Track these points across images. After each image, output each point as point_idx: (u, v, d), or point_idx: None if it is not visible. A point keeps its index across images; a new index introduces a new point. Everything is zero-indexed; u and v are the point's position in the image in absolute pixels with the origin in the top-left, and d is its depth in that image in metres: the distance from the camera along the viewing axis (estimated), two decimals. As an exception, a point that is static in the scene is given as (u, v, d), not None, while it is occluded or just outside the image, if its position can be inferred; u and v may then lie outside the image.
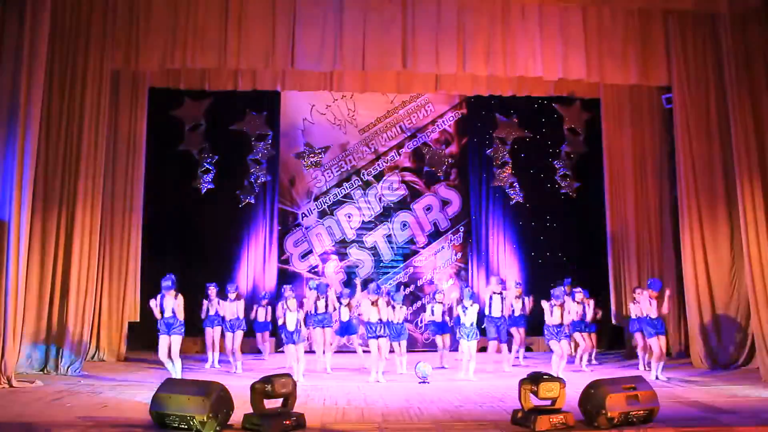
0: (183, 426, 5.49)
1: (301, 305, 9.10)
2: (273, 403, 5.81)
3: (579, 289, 10.05)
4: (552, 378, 5.85)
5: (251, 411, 5.73)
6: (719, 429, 5.74)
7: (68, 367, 8.89)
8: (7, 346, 7.88)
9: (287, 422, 5.61)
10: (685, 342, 10.82)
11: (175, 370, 8.30)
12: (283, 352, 9.60)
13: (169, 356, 8.29)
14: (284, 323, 8.69)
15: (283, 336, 8.74)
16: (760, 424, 5.88)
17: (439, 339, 10.18)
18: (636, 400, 5.75)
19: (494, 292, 9.69)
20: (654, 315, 8.74)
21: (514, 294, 10.15)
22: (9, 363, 7.88)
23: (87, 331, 9.25)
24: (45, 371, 8.86)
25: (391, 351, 9.18)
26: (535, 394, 5.74)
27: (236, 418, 5.73)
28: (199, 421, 5.39)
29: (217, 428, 5.46)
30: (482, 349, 10.38)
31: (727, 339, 9.77)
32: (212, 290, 9.93)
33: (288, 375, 6.01)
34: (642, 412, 5.77)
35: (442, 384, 8.29)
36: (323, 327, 9.77)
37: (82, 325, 9.10)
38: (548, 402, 5.82)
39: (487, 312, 9.64)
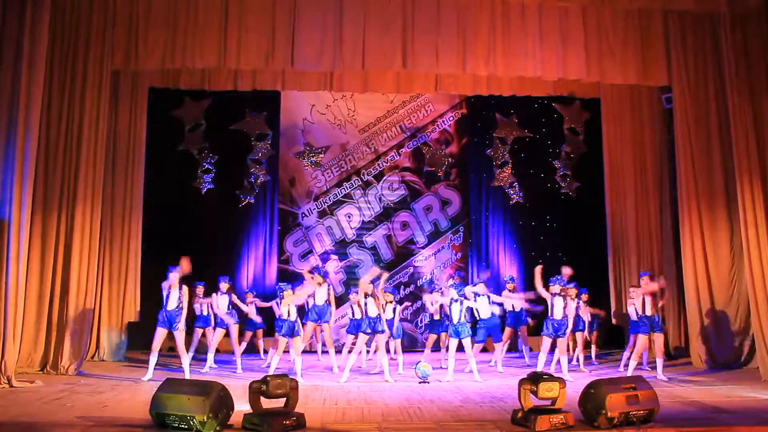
0: (183, 426, 5.49)
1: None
2: (274, 403, 5.81)
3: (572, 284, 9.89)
4: (552, 378, 5.85)
5: (251, 410, 5.73)
6: (719, 429, 5.74)
7: (68, 367, 8.88)
8: (7, 346, 7.89)
9: (287, 422, 5.60)
10: (685, 342, 10.82)
11: (183, 366, 8.43)
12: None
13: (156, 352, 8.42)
14: (280, 315, 8.71)
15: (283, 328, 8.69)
16: (760, 424, 5.88)
17: (433, 337, 10.07)
18: (636, 400, 5.75)
19: (479, 294, 9.37)
20: (650, 312, 8.73)
21: (508, 289, 10.13)
22: (9, 363, 7.88)
23: (87, 331, 9.25)
24: (45, 371, 8.86)
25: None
26: (535, 394, 5.74)
27: (236, 418, 5.73)
28: (199, 421, 5.39)
29: (217, 428, 5.46)
30: (484, 349, 10.40)
31: (727, 339, 9.78)
32: (200, 289, 9.86)
33: (285, 375, 5.99)
34: (642, 412, 5.77)
35: (442, 384, 8.29)
36: (320, 322, 9.65)
37: (82, 325, 9.10)
38: (548, 402, 5.82)
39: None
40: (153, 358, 8.42)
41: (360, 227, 12.80)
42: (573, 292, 8.97)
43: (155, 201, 11.40)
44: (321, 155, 12.85)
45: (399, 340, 9.54)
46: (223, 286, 9.71)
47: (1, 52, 8.23)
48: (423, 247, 12.84)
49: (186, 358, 8.50)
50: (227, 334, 9.75)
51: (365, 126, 12.99)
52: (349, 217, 12.79)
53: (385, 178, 12.92)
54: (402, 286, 12.63)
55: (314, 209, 12.75)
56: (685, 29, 10.07)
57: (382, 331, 8.65)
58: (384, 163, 12.96)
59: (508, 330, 10.27)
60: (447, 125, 13.20)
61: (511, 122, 13.05)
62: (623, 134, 11.57)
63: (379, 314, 8.60)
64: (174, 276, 8.51)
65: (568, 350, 9.03)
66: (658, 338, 8.85)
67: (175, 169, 12.16)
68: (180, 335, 8.43)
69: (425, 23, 9.69)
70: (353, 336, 9.18)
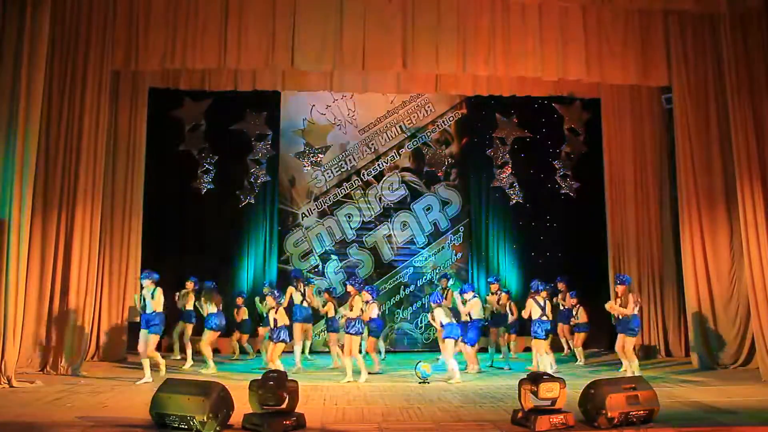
0: (183, 426, 5.49)
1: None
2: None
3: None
4: (552, 378, 5.85)
5: (251, 411, 5.73)
6: (719, 429, 5.75)
7: (68, 367, 8.89)
8: (7, 346, 7.90)
9: (287, 422, 5.61)
10: (685, 342, 10.83)
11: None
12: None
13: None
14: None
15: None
16: (760, 424, 5.89)
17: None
18: (636, 400, 5.76)
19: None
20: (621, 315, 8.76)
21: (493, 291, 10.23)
22: (9, 363, 7.89)
23: (87, 331, 9.25)
24: (45, 371, 8.86)
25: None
26: (535, 394, 5.74)
27: (236, 418, 5.73)
28: (199, 421, 5.39)
29: (217, 428, 5.46)
30: (483, 350, 10.39)
31: (726, 339, 9.78)
32: (189, 285, 10.23)
33: (283, 379, 5.97)
34: (642, 412, 5.77)
35: (442, 384, 8.30)
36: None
37: (82, 325, 9.10)
38: (548, 402, 5.82)
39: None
40: (146, 363, 8.49)
41: (360, 227, 12.79)
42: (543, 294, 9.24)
43: (155, 201, 11.40)
44: (321, 155, 12.85)
45: (377, 339, 9.87)
46: (189, 285, 10.17)
47: (1, 52, 8.25)
48: (423, 247, 12.83)
49: (146, 360, 8.50)
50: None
51: (365, 126, 12.99)
52: (349, 217, 12.79)
53: (385, 178, 12.92)
54: (402, 287, 12.63)
55: (314, 209, 12.74)
56: (685, 29, 10.08)
57: (333, 330, 9.55)
58: (384, 163, 12.95)
59: (492, 331, 10.37)
60: (447, 125, 13.19)
61: (511, 122, 13.05)
62: (623, 134, 11.57)
63: (334, 316, 9.32)
64: (148, 281, 8.60)
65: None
66: (622, 339, 8.81)
67: (175, 169, 12.16)
68: (144, 337, 8.48)
69: (425, 23, 9.69)
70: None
